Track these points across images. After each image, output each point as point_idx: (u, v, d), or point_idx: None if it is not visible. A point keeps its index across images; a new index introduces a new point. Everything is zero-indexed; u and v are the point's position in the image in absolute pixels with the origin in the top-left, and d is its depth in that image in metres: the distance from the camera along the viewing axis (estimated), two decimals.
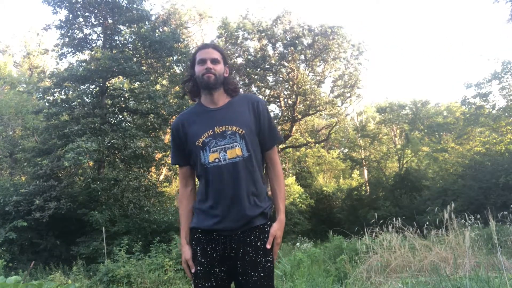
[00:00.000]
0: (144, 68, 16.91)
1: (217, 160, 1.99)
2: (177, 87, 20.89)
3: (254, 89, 23.44)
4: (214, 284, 1.97)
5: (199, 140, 2.03)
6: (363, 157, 27.85)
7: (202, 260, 1.99)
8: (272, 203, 2.11)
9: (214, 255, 1.98)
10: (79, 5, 15.93)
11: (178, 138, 2.12)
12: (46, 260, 13.10)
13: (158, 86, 18.52)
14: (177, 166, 2.22)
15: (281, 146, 23.95)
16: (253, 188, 2.01)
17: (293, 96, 22.32)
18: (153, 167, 18.16)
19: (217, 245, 1.98)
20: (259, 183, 2.05)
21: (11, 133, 21.23)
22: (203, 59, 2.08)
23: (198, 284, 1.99)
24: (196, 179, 2.18)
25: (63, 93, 16.01)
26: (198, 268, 2.00)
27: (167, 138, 20.77)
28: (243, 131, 2.01)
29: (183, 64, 18.88)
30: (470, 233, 5.60)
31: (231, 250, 1.98)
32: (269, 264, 2.00)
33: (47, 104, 15.75)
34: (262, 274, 1.96)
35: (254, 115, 2.08)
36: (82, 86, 15.91)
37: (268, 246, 2.02)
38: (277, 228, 2.04)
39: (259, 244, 1.98)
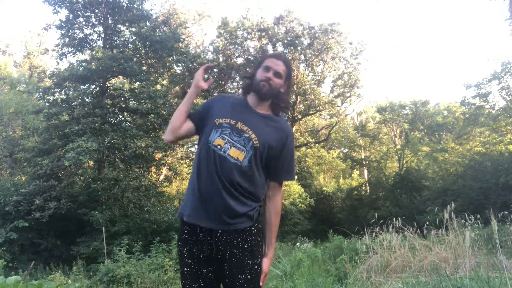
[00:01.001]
0: (144, 68, 16.92)
1: (219, 147, 1.98)
2: (177, 87, 20.91)
3: None
4: (202, 284, 1.97)
5: (218, 120, 2.04)
6: (363, 157, 27.85)
7: (189, 261, 1.99)
8: (259, 206, 2.08)
9: (201, 256, 1.98)
10: (80, 5, 15.93)
11: (208, 105, 2.16)
12: (46, 260, 13.11)
13: (158, 86, 18.53)
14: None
15: None
16: (238, 193, 1.98)
17: (293, 96, 22.31)
18: (153, 167, 18.18)
19: (203, 246, 1.97)
20: (244, 197, 2.01)
21: (11, 133, 21.23)
22: (268, 67, 2.10)
23: (186, 284, 1.98)
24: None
25: (63, 93, 16.01)
26: (185, 269, 1.99)
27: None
28: (258, 145, 2.00)
29: (183, 64, 18.89)
30: (470, 233, 5.60)
31: (217, 251, 1.96)
32: (256, 266, 1.99)
33: (47, 104, 15.74)
34: (249, 277, 1.96)
35: (279, 144, 2.08)
36: (82, 86, 15.90)
37: (262, 284, 2.03)
38: (268, 265, 2.06)
39: (246, 246, 1.98)
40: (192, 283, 1.97)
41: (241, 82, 22.97)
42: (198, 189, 1.99)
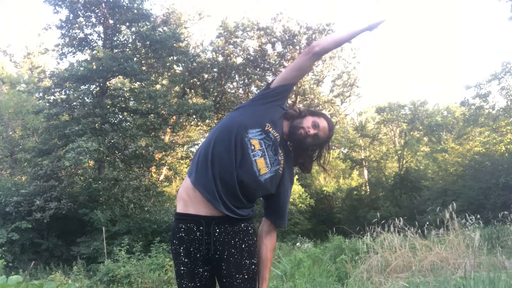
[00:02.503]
0: (144, 68, 16.93)
1: (252, 147, 1.95)
2: (177, 87, 20.92)
3: (253, 88, 23.47)
4: (198, 284, 1.97)
5: (269, 126, 1.99)
6: (363, 157, 27.85)
7: (186, 260, 1.98)
8: (253, 210, 2.09)
9: (198, 255, 1.97)
10: (80, 4, 15.93)
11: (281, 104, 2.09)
12: (46, 260, 13.12)
13: (158, 86, 18.55)
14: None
15: None
16: (251, 192, 1.99)
17: (293, 96, 22.34)
18: (153, 167, 18.19)
19: (201, 245, 1.96)
20: (254, 197, 2.02)
21: (11, 133, 21.22)
22: (316, 125, 2.07)
23: (182, 284, 1.98)
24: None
25: (63, 93, 16.01)
26: (182, 268, 1.98)
27: (167, 138, 20.79)
28: (281, 172, 2.02)
29: (183, 64, 18.90)
30: (475, 234, 5.60)
31: (215, 251, 1.96)
32: (253, 266, 2.00)
33: (47, 104, 15.75)
34: (246, 276, 1.97)
35: (289, 184, 2.12)
36: (82, 86, 15.90)
37: None
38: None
39: (243, 246, 1.98)
40: (188, 283, 1.97)
41: (241, 82, 22.99)
42: (212, 168, 1.95)
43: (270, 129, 2.00)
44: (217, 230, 1.96)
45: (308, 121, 2.06)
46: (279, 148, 2.01)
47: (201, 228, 1.96)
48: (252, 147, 1.95)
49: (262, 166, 1.96)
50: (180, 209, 2.02)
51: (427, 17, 62.18)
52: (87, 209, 14.46)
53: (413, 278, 4.82)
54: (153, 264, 9.95)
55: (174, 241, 2.02)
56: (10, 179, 17.90)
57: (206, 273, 1.99)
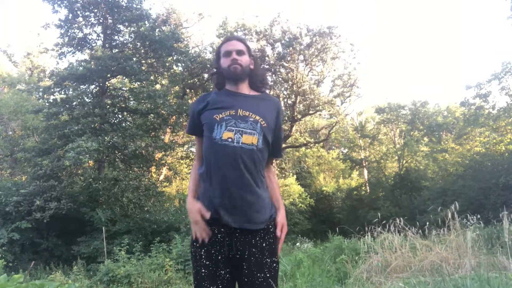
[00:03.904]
0: (144, 67, 16.92)
1: (230, 139, 1.95)
2: (177, 86, 20.91)
3: None
4: (220, 287, 1.96)
5: (218, 115, 2.00)
6: (362, 157, 27.85)
7: (207, 262, 1.97)
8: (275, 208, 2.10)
9: (219, 257, 1.97)
10: (79, 4, 15.92)
11: (198, 110, 2.10)
12: (46, 260, 13.11)
13: (158, 86, 18.54)
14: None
15: None
16: (258, 180, 1.99)
17: (293, 96, 22.33)
18: (153, 167, 18.18)
19: (222, 247, 1.97)
20: (262, 181, 2.04)
21: (11, 133, 21.21)
22: (228, 51, 2.09)
23: (203, 287, 1.96)
24: None
25: (63, 93, 16.01)
26: (203, 270, 1.97)
27: (167, 138, 20.79)
28: (265, 125, 2.01)
29: (183, 64, 18.88)
30: (471, 234, 5.60)
31: (236, 251, 1.96)
32: (274, 264, 2.00)
33: (47, 104, 15.74)
34: (268, 275, 1.96)
35: (276, 119, 2.10)
36: (82, 86, 15.90)
37: (278, 233, 2.03)
38: (283, 216, 2.08)
39: (264, 245, 1.98)
40: (210, 285, 1.95)
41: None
42: (215, 191, 1.97)
43: (220, 115, 2.00)
44: (238, 231, 1.97)
45: (223, 62, 2.10)
46: (244, 111, 2.01)
47: (222, 230, 1.97)
48: (229, 139, 1.96)
49: (251, 139, 1.97)
50: None
51: (427, 17, 62.20)
52: (87, 208, 14.46)
53: (412, 279, 4.82)
54: (153, 264, 9.95)
55: (195, 243, 2.02)
56: (10, 179, 17.89)
57: (227, 275, 1.98)
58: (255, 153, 1.96)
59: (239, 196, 1.93)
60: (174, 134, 21.71)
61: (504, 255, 5.30)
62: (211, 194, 1.97)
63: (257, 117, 2.00)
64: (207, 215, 1.94)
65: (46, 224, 13.85)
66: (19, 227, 12.97)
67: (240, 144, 1.94)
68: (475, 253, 5.55)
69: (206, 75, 22.01)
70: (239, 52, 2.09)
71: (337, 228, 8.95)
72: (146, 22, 16.55)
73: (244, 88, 2.11)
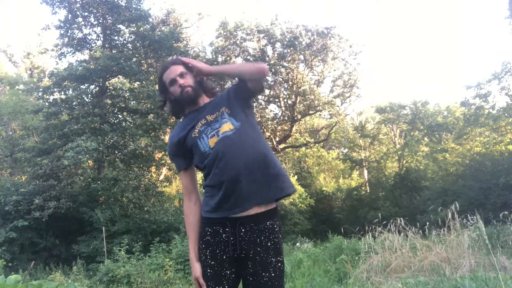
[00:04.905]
0: (143, 67, 16.91)
1: (214, 144, 1.99)
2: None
3: None
4: (226, 287, 1.96)
5: (195, 132, 2.05)
6: (363, 157, 27.83)
7: (212, 262, 1.97)
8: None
9: (224, 257, 1.96)
10: (78, 5, 15.91)
11: (177, 142, 2.13)
12: (46, 260, 13.10)
13: (158, 86, 18.52)
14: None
15: (281, 146, 23.99)
16: (264, 152, 2.00)
17: (293, 96, 22.33)
18: (153, 167, 18.16)
19: (227, 247, 1.96)
20: (269, 150, 2.05)
21: (11, 133, 21.21)
22: (172, 79, 2.12)
23: (209, 286, 1.96)
24: (201, 190, 2.17)
25: (62, 93, 16.00)
26: (209, 270, 1.97)
27: (166, 138, 20.78)
28: (229, 110, 2.05)
29: None
30: (470, 234, 5.59)
31: (241, 250, 1.96)
32: (279, 264, 2.00)
33: (46, 104, 15.73)
34: (273, 274, 1.96)
35: (227, 94, 2.15)
36: (82, 86, 15.89)
37: (188, 60, 2.13)
38: (204, 66, 2.13)
39: (269, 244, 1.97)
40: (215, 285, 1.95)
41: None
42: (219, 191, 1.96)
43: (196, 132, 2.05)
44: (243, 230, 1.95)
45: (173, 91, 2.13)
46: (210, 116, 2.06)
47: (227, 229, 1.96)
48: (214, 144, 2.00)
49: (227, 126, 2.01)
50: (205, 213, 2.05)
51: (427, 17, 62.19)
52: (87, 208, 14.45)
53: (411, 279, 4.81)
54: (152, 264, 9.94)
55: (202, 245, 2.02)
56: (10, 179, 17.88)
57: (232, 275, 1.98)
58: (238, 132, 1.99)
59: (255, 167, 1.95)
60: None
61: (505, 255, 5.29)
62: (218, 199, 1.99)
63: (221, 109, 2.06)
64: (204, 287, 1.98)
65: (46, 224, 13.84)
66: (17, 226, 12.95)
67: (223, 136, 1.98)
68: (475, 253, 5.54)
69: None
70: (182, 75, 2.12)
71: (338, 228, 8.95)
72: (146, 22, 16.54)
73: (202, 101, 2.17)
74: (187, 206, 2.13)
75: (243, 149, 1.95)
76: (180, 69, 2.13)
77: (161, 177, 20.15)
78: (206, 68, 2.13)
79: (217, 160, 1.96)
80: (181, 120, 2.23)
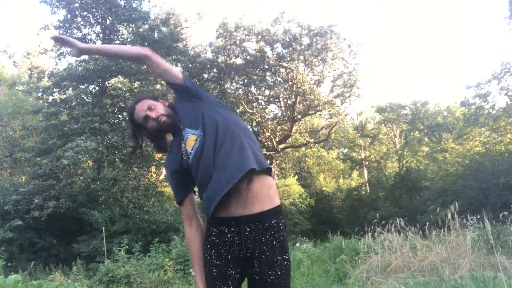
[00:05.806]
0: (143, 67, 16.90)
1: (185, 157, 2.07)
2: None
3: (253, 89, 23.45)
4: (231, 287, 1.96)
5: (187, 148, 2.09)
6: (363, 157, 27.83)
7: (218, 262, 1.97)
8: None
9: (229, 256, 1.96)
10: (77, 5, 15.91)
11: (176, 170, 2.16)
12: (45, 260, 13.09)
13: (158, 86, 18.52)
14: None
15: (281, 146, 23.99)
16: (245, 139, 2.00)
17: (293, 96, 22.31)
18: (153, 167, 18.16)
19: (232, 247, 1.96)
20: (249, 136, 2.04)
21: (11, 133, 21.21)
22: (145, 116, 2.14)
23: (215, 286, 1.96)
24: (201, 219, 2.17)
25: (62, 93, 16.00)
26: (214, 270, 1.97)
27: (166, 138, 20.76)
28: (184, 126, 2.09)
29: (182, 64, 18.89)
30: (471, 234, 5.59)
31: (247, 250, 1.95)
32: (285, 262, 1.99)
33: (46, 104, 15.73)
34: (279, 273, 1.95)
35: (179, 102, 2.17)
36: (81, 86, 15.88)
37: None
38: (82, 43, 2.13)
39: (275, 242, 1.97)
40: (221, 285, 1.95)
41: (240, 82, 23.01)
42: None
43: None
44: (248, 229, 1.95)
45: (149, 126, 2.16)
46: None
47: (232, 229, 1.96)
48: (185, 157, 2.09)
49: (192, 139, 2.03)
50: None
51: (427, 17, 62.21)
52: (87, 208, 14.44)
53: (410, 279, 4.81)
54: (152, 264, 9.94)
55: (207, 245, 2.02)
56: (9, 179, 17.87)
57: (237, 275, 1.98)
58: (202, 138, 1.99)
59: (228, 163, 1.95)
60: None
61: (505, 255, 5.29)
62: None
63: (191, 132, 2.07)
64: None
65: (45, 224, 13.84)
66: (14, 226, 12.94)
67: (193, 151, 2.01)
68: (475, 253, 5.54)
69: (205, 75, 22.00)
70: (151, 108, 2.14)
71: (338, 228, 8.94)
72: (145, 22, 16.54)
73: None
74: (188, 232, 2.12)
75: (210, 158, 1.96)
76: (147, 102, 2.16)
77: (161, 177, 20.16)
78: (84, 46, 2.12)
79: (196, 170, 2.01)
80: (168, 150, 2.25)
